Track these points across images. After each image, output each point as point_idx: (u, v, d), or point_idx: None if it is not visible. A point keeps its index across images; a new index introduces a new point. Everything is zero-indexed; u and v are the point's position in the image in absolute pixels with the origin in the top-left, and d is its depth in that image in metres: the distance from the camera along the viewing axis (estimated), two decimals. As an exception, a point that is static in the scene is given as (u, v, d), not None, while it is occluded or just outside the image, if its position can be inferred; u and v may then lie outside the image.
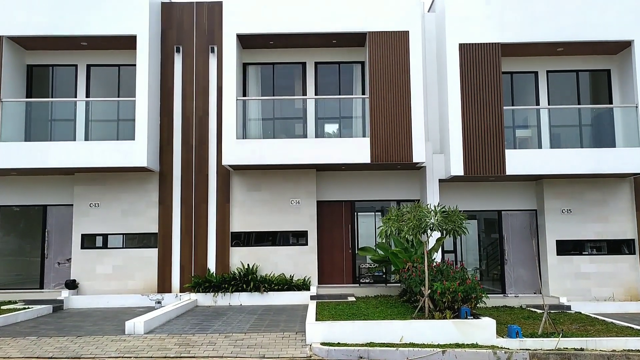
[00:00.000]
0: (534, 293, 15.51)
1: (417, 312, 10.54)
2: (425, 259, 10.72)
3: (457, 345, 9.51)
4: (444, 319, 9.97)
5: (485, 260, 16.17)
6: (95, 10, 14.52)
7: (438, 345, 9.48)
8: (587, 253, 15.19)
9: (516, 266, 15.70)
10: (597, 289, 14.95)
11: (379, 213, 16.28)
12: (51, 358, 9.15)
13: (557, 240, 15.08)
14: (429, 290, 10.35)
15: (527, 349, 9.39)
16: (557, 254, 15.05)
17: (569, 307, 13.89)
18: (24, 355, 9.23)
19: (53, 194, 15.64)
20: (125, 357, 9.10)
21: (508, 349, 9.41)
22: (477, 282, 10.52)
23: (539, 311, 13.24)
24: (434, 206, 10.73)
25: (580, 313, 13.27)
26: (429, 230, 10.62)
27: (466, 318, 9.96)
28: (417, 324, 9.85)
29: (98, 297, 14.67)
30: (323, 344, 9.49)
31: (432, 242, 13.60)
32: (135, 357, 9.09)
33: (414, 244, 13.93)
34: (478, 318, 10.05)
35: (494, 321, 9.85)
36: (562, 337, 9.59)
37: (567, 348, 9.47)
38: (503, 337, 9.81)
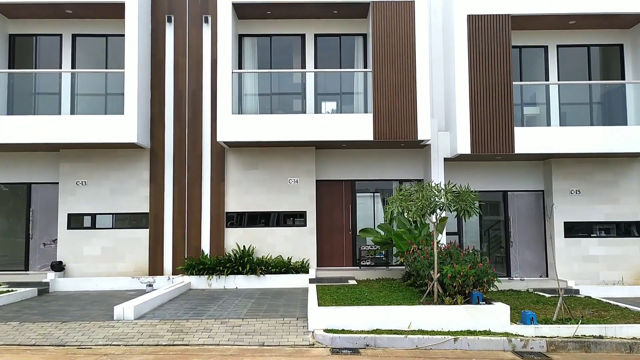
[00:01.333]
0: (540, 276, 15.00)
1: (426, 297, 9.94)
2: (434, 241, 10.09)
3: (469, 332, 8.95)
4: (454, 304, 9.38)
5: (487, 242, 15.59)
6: (81, -25, 13.62)
7: (449, 332, 8.91)
8: (595, 235, 14.65)
9: (522, 249, 15.14)
10: (605, 273, 14.44)
11: (378, 194, 15.64)
12: (33, 345, 8.50)
13: (565, 222, 14.51)
14: (439, 274, 9.74)
15: (543, 336, 8.85)
16: (565, 236, 14.49)
17: (577, 291, 13.41)
18: (4, 343, 8.58)
19: (37, 171, 14.85)
20: (113, 345, 8.46)
21: (523, 336, 8.85)
22: (489, 266, 9.91)
23: (547, 295, 12.72)
24: (444, 185, 10.08)
25: (591, 297, 12.77)
26: (438, 211, 9.99)
27: (478, 303, 9.38)
28: (426, 309, 9.26)
29: (86, 279, 13.99)
30: (327, 330, 8.89)
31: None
32: (125, 345, 8.46)
33: (417, 225, 13.35)
34: (490, 303, 9.47)
35: (508, 307, 9.28)
36: (581, 323, 9.02)
37: (585, 335, 8.94)
38: (517, 323, 9.26)
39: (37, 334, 8.97)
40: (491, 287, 9.86)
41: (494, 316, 9.14)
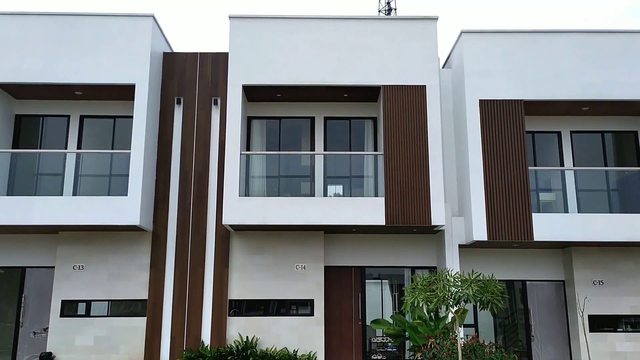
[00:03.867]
0: (565, 375, 13.97)
1: (449, 399, 9.02)
2: (458, 336, 9.29)
3: None
4: (483, 409, 8.46)
5: (503, 334, 14.65)
6: (92, 57, 13.62)
7: None
8: (622, 330, 13.77)
9: (544, 343, 14.19)
10: (635, 371, 13.44)
11: (386, 281, 14.90)
12: None
13: (589, 315, 13.65)
14: (463, 374, 8.88)
15: None
16: (590, 331, 13.59)
17: (607, 392, 12.37)
18: None
19: (33, 254, 14.18)
20: None
21: None
22: (518, 365, 9.06)
23: (576, 396, 11.70)
24: (468, 274, 9.42)
25: (623, 399, 11.74)
26: (462, 302, 9.27)
27: (509, 408, 8.47)
28: (452, 415, 8.34)
29: (76, 372, 12.97)
30: None
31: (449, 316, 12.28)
32: None
33: (432, 316, 12.54)
34: (523, 408, 8.55)
35: (543, 413, 8.35)
36: None
37: None
38: None
39: None
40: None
41: None
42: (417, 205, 12.96)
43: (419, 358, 12.13)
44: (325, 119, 14.97)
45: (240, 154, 13.27)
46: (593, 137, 14.99)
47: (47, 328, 13.68)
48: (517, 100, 13.45)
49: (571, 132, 14.85)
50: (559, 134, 14.85)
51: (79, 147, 14.58)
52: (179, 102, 14.52)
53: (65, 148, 14.51)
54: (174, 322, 13.60)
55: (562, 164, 14.70)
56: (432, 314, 12.41)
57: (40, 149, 14.74)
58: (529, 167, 13.37)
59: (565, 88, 13.57)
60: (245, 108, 14.16)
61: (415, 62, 13.63)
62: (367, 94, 14.22)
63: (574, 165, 14.66)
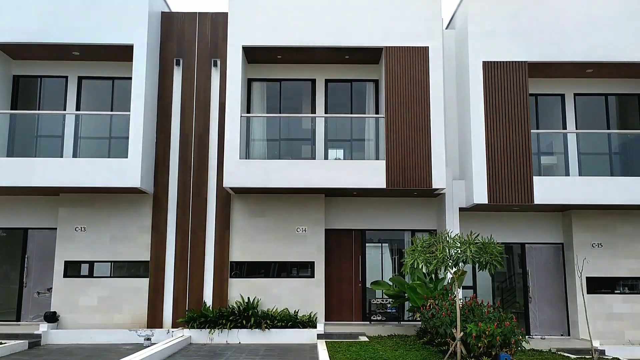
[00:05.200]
0: (561, 335, 14.18)
1: (448, 357, 9.15)
2: (457, 296, 9.39)
3: (498, 400, 8.15)
4: (480, 367, 8.62)
5: (500, 297, 14.81)
6: (90, 16, 13.38)
7: (476, 399, 8.12)
8: (619, 292, 13.92)
9: (541, 305, 14.36)
10: (631, 332, 13.63)
11: (386, 244, 14.98)
12: (19, 409, 7.69)
13: (587, 278, 13.75)
14: (462, 333, 9.00)
15: (579, 405, 8.05)
16: (588, 293, 13.71)
17: (603, 352, 12.51)
18: (-14, 405, 7.76)
19: (35, 216, 14.25)
20: (107, 409, 7.65)
21: (558, 404, 8.06)
22: (516, 324, 9.18)
23: (572, 356, 11.86)
24: (467, 236, 9.46)
25: (619, 359, 11.90)
26: (461, 263, 9.34)
27: (506, 366, 8.62)
28: (450, 372, 8.50)
29: (80, 332, 13.14)
30: (341, 395, 8.09)
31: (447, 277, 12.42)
32: (120, 410, 7.65)
33: (433, 278, 12.66)
34: (520, 367, 8.71)
35: (540, 371, 8.51)
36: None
37: (624, 404, 8.13)
38: (548, 389, 8.47)
39: (23, 395, 8.17)
40: (519, 348, 9.09)
41: (525, 381, 8.37)
42: (418, 168, 12.93)
43: (418, 318, 12.32)
44: (326, 81, 14.80)
45: (241, 117, 13.17)
46: (596, 100, 14.85)
47: (51, 288, 13.84)
48: (521, 62, 13.25)
49: (575, 94, 14.70)
50: (562, 96, 14.71)
51: (77, 109, 14.47)
52: (178, 64, 14.34)
53: (64, 109, 14.39)
54: (176, 283, 13.75)
55: (564, 127, 14.59)
56: (432, 275, 12.52)
57: (38, 110, 14.61)
58: (532, 130, 13.27)
59: (570, 49, 13.36)
60: (245, 70, 13.98)
61: (418, 22, 13.39)
62: (368, 55, 14.02)
63: (576, 129, 14.55)
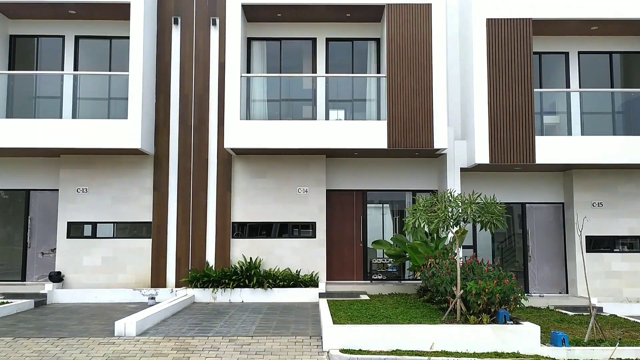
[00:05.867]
0: (560, 293, 14.36)
1: (447, 315, 9.28)
2: (457, 255, 9.46)
3: (497, 355, 8.29)
4: (480, 323, 8.73)
5: (500, 256, 14.94)
6: (85, -27, 13.10)
7: (475, 354, 8.26)
8: (618, 250, 14.03)
9: (540, 264, 14.50)
10: (629, 289, 13.81)
11: (387, 205, 15.02)
12: (27, 364, 7.85)
13: (587, 237, 13.83)
14: (462, 291, 9.10)
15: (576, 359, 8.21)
16: (587, 251, 13.83)
17: (600, 309, 12.72)
18: (-5, 361, 7.93)
19: (37, 177, 14.26)
20: (113, 365, 7.81)
21: (555, 359, 8.21)
22: (515, 282, 9.27)
23: (570, 313, 12.06)
24: (469, 195, 9.47)
25: (617, 316, 12.10)
26: (462, 223, 9.37)
27: (505, 323, 8.74)
28: (450, 329, 8.62)
29: (85, 291, 13.33)
30: (343, 351, 8.23)
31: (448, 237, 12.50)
32: (126, 365, 7.81)
33: (434, 237, 12.73)
34: (518, 323, 8.83)
35: (538, 327, 8.64)
36: (618, 345, 8.38)
37: (620, 359, 8.28)
38: (546, 344, 8.61)
39: (31, 351, 8.32)
40: (518, 306, 9.21)
41: (524, 337, 8.49)
42: (419, 128, 12.86)
43: (419, 277, 12.46)
44: (327, 40, 14.57)
45: (241, 76, 13.03)
46: (601, 58, 14.64)
47: (55, 249, 13.97)
48: (526, 19, 13.01)
49: (579, 52, 14.49)
50: (566, 54, 14.50)
51: (75, 69, 14.30)
52: (176, 22, 14.11)
53: (62, 70, 14.22)
54: (179, 243, 13.86)
55: (568, 87, 14.44)
56: (433, 234, 12.59)
57: (36, 70, 14.44)
58: (535, 89, 13.13)
59: (575, 6, 13.09)
60: (244, 28, 13.76)
61: (420, -22, 13.09)
62: (370, 13, 13.75)
63: (580, 88, 14.39)
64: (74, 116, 13.61)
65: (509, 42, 12.98)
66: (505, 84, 12.93)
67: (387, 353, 8.19)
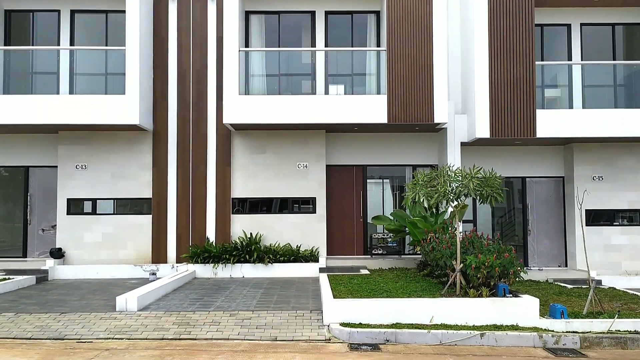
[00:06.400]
0: (559, 266, 14.42)
1: (447, 288, 9.33)
2: (457, 229, 9.47)
3: (496, 327, 8.37)
4: (479, 296, 8.78)
5: (500, 230, 14.96)
6: (80, -54, 12.86)
7: (474, 327, 8.34)
8: (618, 224, 14.04)
9: (540, 237, 14.53)
10: (628, 263, 13.86)
11: (387, 180, 14.98)
12: (30, 339, 7.92)
13: (587, 210, 13.83)
14: (461, 265, 9.13)
15: (575, 332, 8.27)
16: (587, 225, 13.84)
17: (599, 282, 12.82)
18: (-2, 336, 7.99)
19: (35, 154, 14.23)
20: (115, 339, 7.89)
21: (554, 331, 8.28)
22: (515, 256, 9.30)
23: (569, 286, 12.14)
24: (469, 169, 9.43)
25: (615, 288, 12.17)
26: (462, 197, 9.35)
27: (504, 296, 8.79)
28: (449, 302, 8.67)
29: (86, 267, 13.39)
30: (343, 324, 8.30)
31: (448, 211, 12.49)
32: (128, 339, 7.89)
33: (434, 212, 12.74)
34: (517, 296, 8.88)
35: (537, 300, 8.69)
36: (617, 317, 8.44)
37: (619, 330, 8.35)
38: (545, 317, 8.67)
39: (33, 326, 8.39)
40: (517, 279, 9.24)
41: (522, 310, 8.56)
42: (419, 102, 12.75)
43: (419, 252, 12.50)
44: (327, 13, 14.38)
45: (239, 51, 12.88)
46: (603, 30, 14.46)
47: (55, 225, 13.98)
48: (527, -10, 12.81)
49: (581, 24, 14.29)
50: (568, 26, 14.31)
51: (71, 44, 14.13)
52: (173, -4, 13.90)
53: (58, 45, 14.05)
54: (179, 219, 13.87)
55: (570, 59, 14.28)
56: (433, 209, 12.59)
57: (32, 46, 14.28)
58: (536, 62, 12.98)
59: (578, -24, 12.91)
60: (242, 2, 13.57)
61: (421, -51, 12.85)
62: (370, -15, 13.56)
63: (582, 60, 14.24)
64: (71, 92, 13.47)
65: (511, 13, 12.79)
66: (507, 56, 12.78)
67: (387, 326, 8.26)
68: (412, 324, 8.40)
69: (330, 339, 7.96)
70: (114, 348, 7.43)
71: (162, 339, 7.88)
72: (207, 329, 8.24)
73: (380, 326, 8.27)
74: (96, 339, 7.88)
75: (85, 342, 7.75)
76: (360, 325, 8.30)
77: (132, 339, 7.86)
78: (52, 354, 7.15)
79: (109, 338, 7.90)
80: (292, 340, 7.87)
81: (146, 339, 7.88)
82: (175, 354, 7.12)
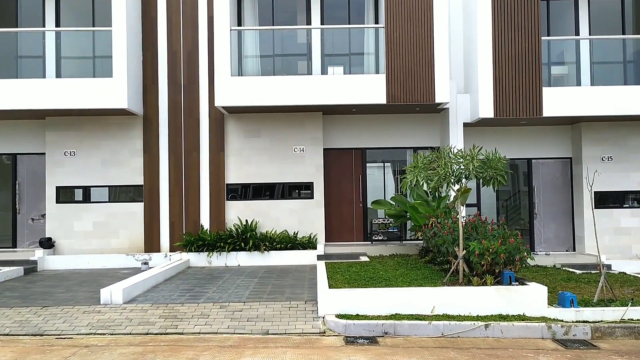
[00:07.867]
0: (567, 250, 13.92)
1: (449, 276, 8.84)
2: (460, 214, 8.95)
3: (501, 317, 7.88)
4: (483, 285, 8.29)
5: (505, 214, 14.44)
6: None
7: (478, 317, 7.85)
8: (628, 206, 13.50)
9: (547, 221, 14.01)
10: (638, 246, 13.33)
11: (388, 164, 14.45)
12: (7, 335, 7.49)
13: (595, 192, 13.28)
14: (464, 251, 8.63)
15: (585, 321, 7.79)
16: (595, 207, 13.28)
17: (609, 266, 12.32)
18: (-27, 333, 7.56)
19: (23, 141, 13.76)
20: (97, 334, 7.45)
21: (563, 321, 7.80)
22: (521, 241, 8.78)
23: (577, 272, 11.63)
24: (470, 150, 8.88)
25: (626, 273, 11.65)
26: (464, 179, 8.82)
27: (510, 284, 8.29)
28: (451, 291, 8.19)
29: (77, 257, 12.97)
30: (339, 316, 7.83)
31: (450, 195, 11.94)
32: (110, 334, 7.44)
33: (435, 196, 12.21)
34: (524, 284, 8.38)
35: (545, 288, 8.19)
36: (631, 305, 7.94)
37: (632, 319, 7.85)
38: (553, 306, 8.17)
39: (12, 322, 7.96)
40: (524, 265, 8.74)
41: (530, 298, 8.06)
42: (420, 82, 12.18)
43: (420, 237, 12.00)
44: (322, -10, 13.77)
45: (231, 30, 12.30)
46: (612, 4, 13.79)
47: (45, 214, 13.54)
48: (533, -39, 12.15)
49: (589, -2, 13.65)
50: (575, 0, 13.64)
51: (57, 26, 13.56)
52: (161, -27, 13.29)
53: (43, 27, 13.51)
54: (172, 207, 13.40)
55: (577, 34, 13.64)
56: (435, 193, 12.06)
57: (16, 28, 13.74)
58: (542, 38, 12.36)
59: (586, -53, 12.23)
60: (233, -22, 12.96)
61: None
62: (367, -41, 12.93)
63: (589, 35, 13.59)
64: (57, 75, 12.95)
65: (515, -13, 12.15)
66: (511, 32, 12.17)
67: (386, 318, 7.79)
68: (412, 314, 7.92)
69: (325, 332, 7.50)
70: (94, 345, 6.98)
71: (147, 333, 7.44)
72: (195, 323, 7.79)
73: (379, 317, 7.80)
74: (77, 334, 7.44)
75: (64, 338, 7.31)
76: (357, 316, 7.83)
77: (114, 334, 7.41)
78: (28, 351, 6.72)
79: (91, 334, 7.46)
80: (285, 333, 7.41)
81: (130, 334, 7.44)
82: (158, 351, 6.67)
